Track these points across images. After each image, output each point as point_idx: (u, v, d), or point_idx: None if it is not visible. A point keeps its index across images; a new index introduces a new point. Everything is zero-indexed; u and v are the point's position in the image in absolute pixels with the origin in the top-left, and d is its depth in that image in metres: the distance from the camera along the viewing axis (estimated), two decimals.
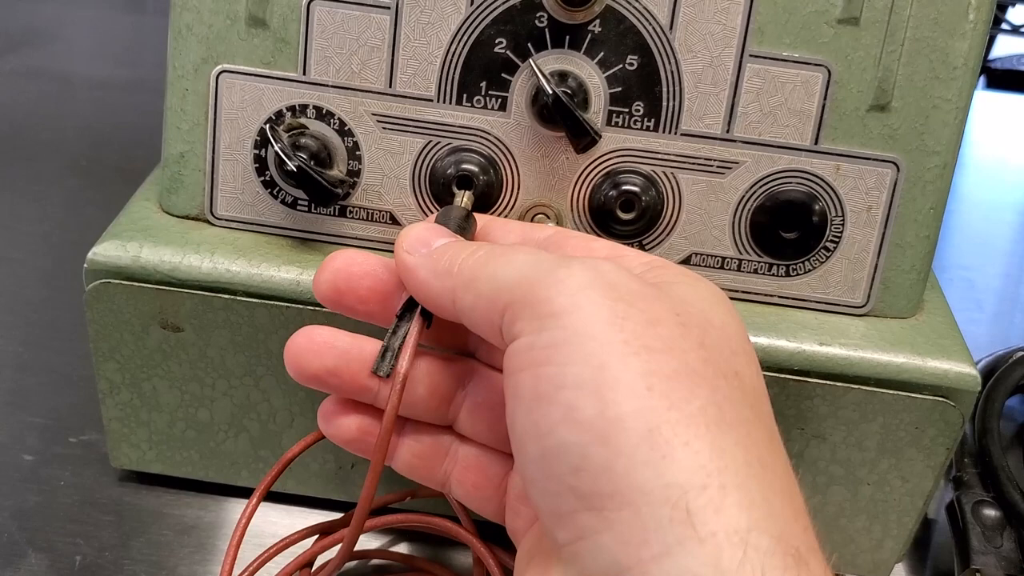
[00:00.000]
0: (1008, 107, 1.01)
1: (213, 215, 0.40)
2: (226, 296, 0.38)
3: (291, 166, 0.36)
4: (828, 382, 0.37)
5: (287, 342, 0.31)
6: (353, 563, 0.41)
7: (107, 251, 0.38)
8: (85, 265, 0.38)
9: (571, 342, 0.24)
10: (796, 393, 0.37)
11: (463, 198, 0.36)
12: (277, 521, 0.42)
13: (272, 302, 0.38)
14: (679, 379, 0.23)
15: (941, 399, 0.37)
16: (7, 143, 0.72)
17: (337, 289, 0.31)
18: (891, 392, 0.37)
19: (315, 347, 0.31)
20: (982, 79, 1.02)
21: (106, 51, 0.88)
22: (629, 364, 0.23)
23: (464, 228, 0.32)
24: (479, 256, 0.28)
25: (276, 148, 0.36)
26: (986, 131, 0.93)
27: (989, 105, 1.00)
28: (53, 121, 0.75)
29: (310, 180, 0.36)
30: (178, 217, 0.40)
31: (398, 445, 0.33)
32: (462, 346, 0.33)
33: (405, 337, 0.31)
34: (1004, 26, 1.08)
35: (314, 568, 0.39)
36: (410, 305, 0.31)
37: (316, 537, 0.40)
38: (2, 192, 0.66)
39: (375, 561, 0.42)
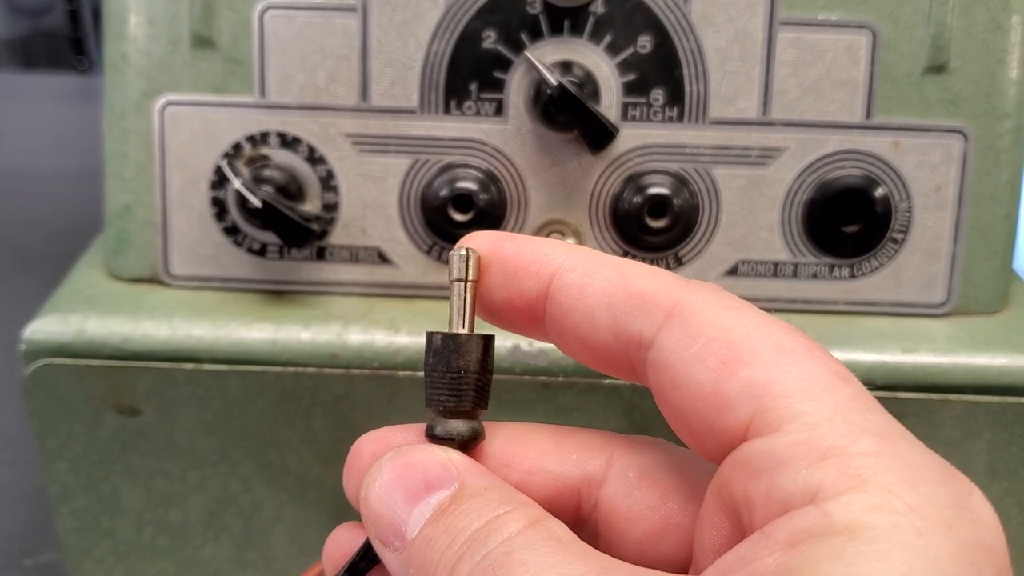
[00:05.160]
0: None
1: (168, 274, 0.34)
2: (189, 366, 0.32)
3: (255, 202, 0.31)
4: (921, 394, 0.31)
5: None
6: None
7: (46, 327, 0.33)
8: (22, 346, 0.33)
9: None
10: None
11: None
12: None
13: (245, 367, 0.32)
14: None
15: None
16: None
17: None
18: (996, 399, 0.32)
19: None
20: None
21: (55, 143, 0.83)
22: None
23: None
24: None
25: (236, 185, 0.31)
26: None
27: None
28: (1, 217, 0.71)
29: (279, 217, 0.31)
30: (128, 281, 0.35)
31: None
32: None
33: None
34: None
35: None
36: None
37: None
38: None
39: None
